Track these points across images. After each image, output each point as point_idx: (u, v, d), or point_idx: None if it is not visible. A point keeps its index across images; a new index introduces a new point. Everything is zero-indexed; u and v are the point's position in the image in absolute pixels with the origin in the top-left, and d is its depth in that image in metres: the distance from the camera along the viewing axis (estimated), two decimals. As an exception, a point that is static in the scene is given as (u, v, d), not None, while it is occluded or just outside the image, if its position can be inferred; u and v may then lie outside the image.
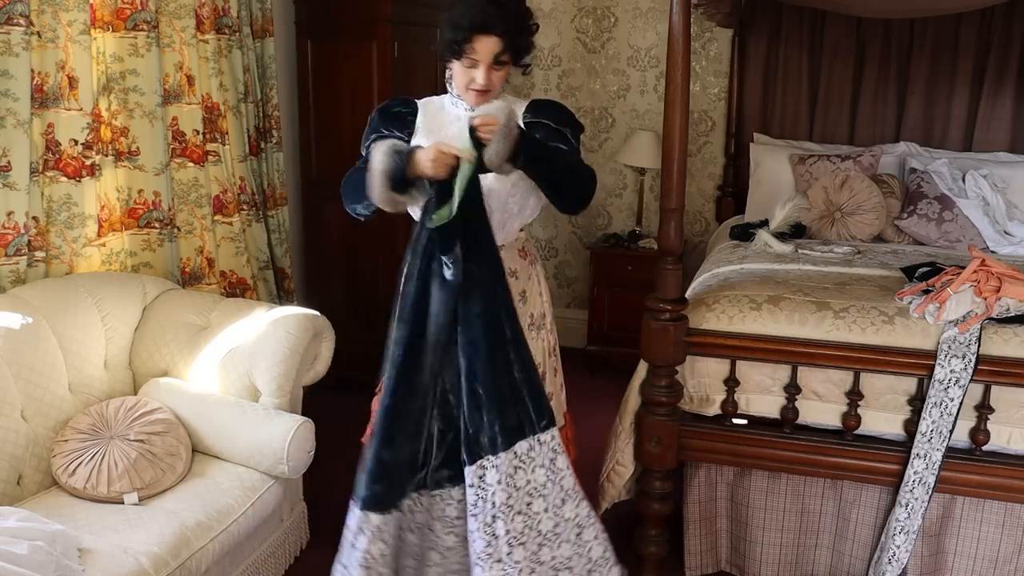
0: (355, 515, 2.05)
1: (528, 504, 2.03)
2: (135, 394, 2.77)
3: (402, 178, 1.97)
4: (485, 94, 2.14)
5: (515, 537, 2.02)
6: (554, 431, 2.07)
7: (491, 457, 2.00)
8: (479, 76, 2.08)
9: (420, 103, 2.28)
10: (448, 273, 1.98)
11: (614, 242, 4.63)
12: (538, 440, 2.03)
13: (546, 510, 2.05)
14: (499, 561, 2.02)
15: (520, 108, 2.24)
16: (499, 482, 2.00)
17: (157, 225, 3.18)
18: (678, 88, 2.36)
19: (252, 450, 2.57)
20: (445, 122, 2.23)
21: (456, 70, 2.15)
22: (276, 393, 2.71)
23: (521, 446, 2.02)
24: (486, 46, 2.05)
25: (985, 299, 2.41)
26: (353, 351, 3.40)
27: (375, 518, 2.03)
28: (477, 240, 2.01)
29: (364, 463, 2.05)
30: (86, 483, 2.34)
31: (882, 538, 2.52)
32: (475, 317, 2.00)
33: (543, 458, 2.04)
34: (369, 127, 2.26)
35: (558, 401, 2.42)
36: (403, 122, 2.24)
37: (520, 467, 2.02)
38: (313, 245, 4.25)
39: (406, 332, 2.04)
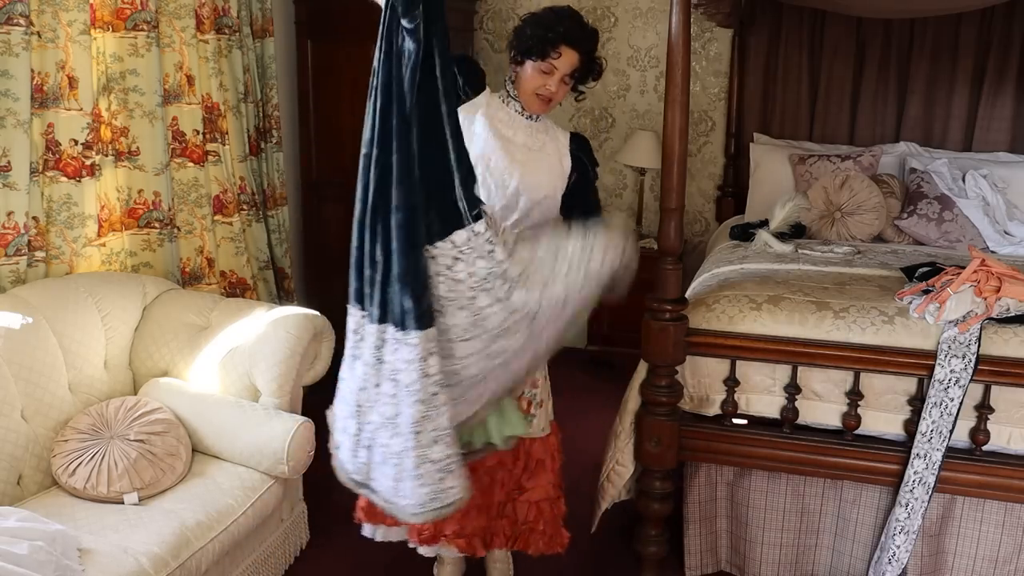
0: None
1: (472, 299, 1.92)
2: (135, 394, 2.77)
3: None
4: (547, 103, 2.27)
5: (463, 331, 1.92)
6: (486, 221, 1.95)
7: (428, 248, 1.88)
8: (552, 83, 2.22)
9: (486, 90, 2.34)
10: (409, 42, 1.81)
11: (614, 242, 4.63)
12: (473, 231, 1.90)
13: (491, 305, 1.93)
14: (447, 357, 1.92)
15: (562, 136, 2.37)
16: (438, 274, 1.89)
17: (157, 225, 3.19)
18: (678, 88, 2.36)
19: (252, 450, 2.57)
20: (506, 121, 2.30)
21: (528, 72, 2.25)
22: (276, 393, 2.71)
23: (459, 235, 1.89)
24: (569, 58, 2.21)
25: (985, 299, 2.41)
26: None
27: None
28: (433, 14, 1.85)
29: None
30: (86, 483, 2.34)
31: (882, 538, 2.52)
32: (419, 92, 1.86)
33: (481, 249, 1.91)
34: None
35: (546, 409, 2.44)
36: (479, 80, 2.31)
37: (459, 258, 1.90)
38: (313, 245, 4.25)
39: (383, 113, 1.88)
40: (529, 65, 2.24)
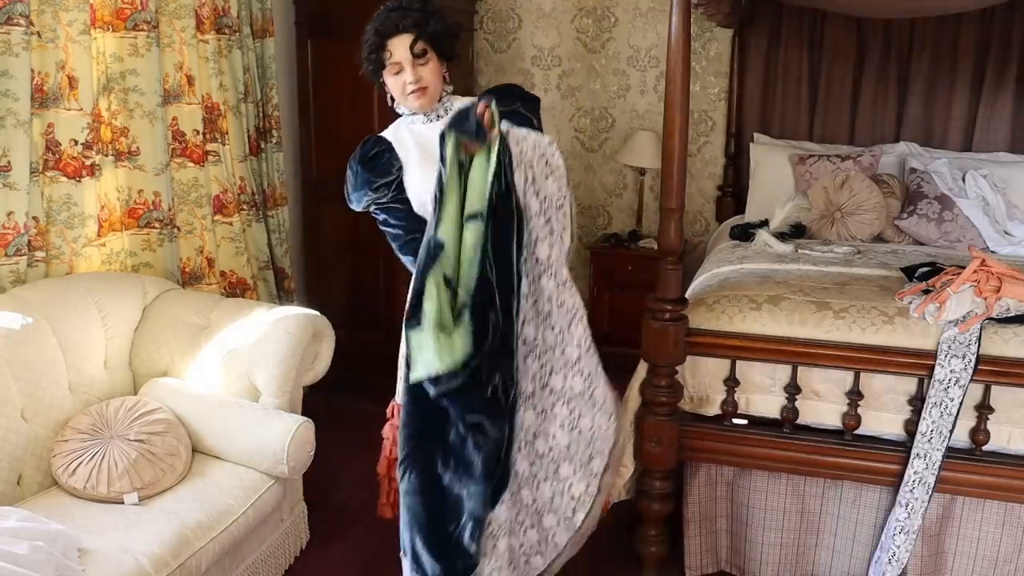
0: None
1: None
2: (135, 394, 2.77)
3: None
4: (424, 91, 2.18)
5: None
6: None
7: None
8: (409, 76, 2.15)
9: (390, 139, 2.25)
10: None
11: (614, 242, 4.64)
12: None
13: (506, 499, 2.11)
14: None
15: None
16: None
17: (157, 225, 3.19)
18: (678, 88, 2.36)
19: (252, 450, 2.57)
20: (417, 140, 2.22)
21: (390, 85, 2.20)
22: (276, 393, 2.71)
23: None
24: (401, 45, 2.13)
25: (985, 299, 2.41)
26: (353, 351, 3.40)
27: None
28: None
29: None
30: (86, 483, 2.34)
31: (882, 538, 2.52)
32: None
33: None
34: (356, 179, 2.21)
35: None
36: (388, 166, 2.21)
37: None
38: (313, 245, 4.25)
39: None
40: (387, 79, 2.20)
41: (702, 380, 2.59)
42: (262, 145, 3.85)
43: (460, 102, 2.23)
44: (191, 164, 3.32)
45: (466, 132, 1.92)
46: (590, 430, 2.11)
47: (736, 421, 2.59)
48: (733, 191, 4.61)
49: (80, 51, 2.79)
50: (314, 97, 4.07)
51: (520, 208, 1.97)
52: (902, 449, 2.44)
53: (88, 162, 2.85)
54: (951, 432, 2.35)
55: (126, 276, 2.96)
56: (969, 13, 4.00)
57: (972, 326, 2.37)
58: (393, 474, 2.42)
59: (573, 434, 2.10)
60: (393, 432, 2.41)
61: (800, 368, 2.49)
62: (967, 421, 2.39)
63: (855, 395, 2.46)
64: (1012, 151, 4.08)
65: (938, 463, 2.37)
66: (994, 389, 2.36)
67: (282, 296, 3.93)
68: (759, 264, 3.15)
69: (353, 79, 3.95)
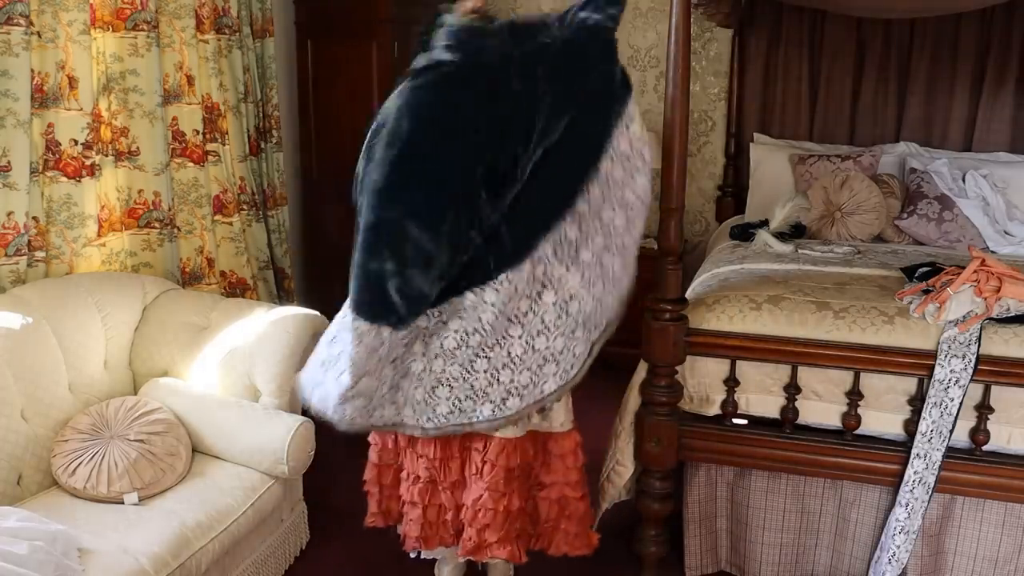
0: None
1: (507, 328, 2.12)
2: (135, 394, 2.77)
3: None
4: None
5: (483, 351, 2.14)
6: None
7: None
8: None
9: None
10: None
11: (614, 242, 4.63)
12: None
13: (520, 336, 2.13)
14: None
15: None
16: (493, 304, 2.09)
17: (157, 225, 3.19)
18: (678, 88, 2.36)
19: (252, 450, 2.57)
20: None
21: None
22: (276, 393, 2.71)
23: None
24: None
25: (985, 299, 2.41)
26: (353, 351, 3.39)
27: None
28: None
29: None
30: (86, 483, 2.34)
31: (882, 538, 2.52)
32: None
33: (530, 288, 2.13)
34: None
35: (566, 405, 2.40)
36: None
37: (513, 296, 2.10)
38: (313, 245, 4.25)
39: None
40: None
41: (702, 380, 2.59)
42: (262, 145, 3.85)
43: None
44: (191, 164, 3.32)
45: None
46: (609, 305, 2.24)
47: (736, 421, 2.59)
48: (733, 191, 4.61)
49: (80, 51, 2.79)
50: (314, 97, 4.07)
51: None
52: (902, 449, 2.44)
53: (88, 162, 2.85)
54: (951, 432, 2.35)
55: (126, 276, 2.96)
56: (969, 13, 4.00)
57: (972, 326, 2.37)
58: (384, 481, 2.41)
59: (594, 303, 2.20)
60: (382, 436, 2.40)
61: (800, 368, 2.49)
62: (967, 421, 2.39)
63: (855, 395, 2.45)
64: (1012, 151, 4.08)
65: (938, 463, 2.37)
66: (994, 389, 2.36)
67: (282, 296, 3.93)
68: (759, 264, 3.15)
69: (353, 79, 3.99)
